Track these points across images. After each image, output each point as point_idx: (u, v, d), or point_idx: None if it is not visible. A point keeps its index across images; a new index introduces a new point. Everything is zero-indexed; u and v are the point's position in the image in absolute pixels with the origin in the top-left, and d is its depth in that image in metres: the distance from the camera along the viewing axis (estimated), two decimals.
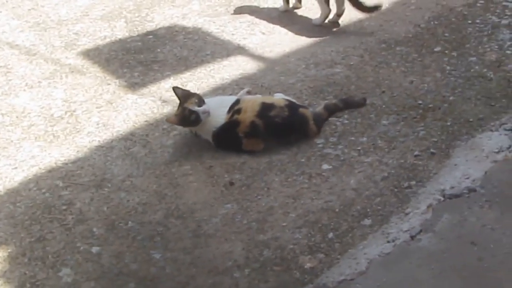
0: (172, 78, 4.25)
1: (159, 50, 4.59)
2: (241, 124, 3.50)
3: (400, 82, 4.01)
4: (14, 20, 5.17)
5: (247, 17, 4.92)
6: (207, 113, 3.52)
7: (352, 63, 4.25)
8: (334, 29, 4.69)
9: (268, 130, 3.49)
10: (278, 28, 4.76)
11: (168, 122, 3.67)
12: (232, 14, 4.99)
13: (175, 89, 3.65)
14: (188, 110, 3.51)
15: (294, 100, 3.71)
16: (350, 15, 4.74)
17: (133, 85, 4.21)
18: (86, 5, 5.30)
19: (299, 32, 4.69)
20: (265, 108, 3.51)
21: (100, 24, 5.00)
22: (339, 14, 4.71)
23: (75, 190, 3.38)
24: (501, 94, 3.82)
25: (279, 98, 3.68)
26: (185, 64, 4.40)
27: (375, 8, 4.62)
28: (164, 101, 4.01)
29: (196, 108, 3.50)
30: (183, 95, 3.60)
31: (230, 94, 3.95)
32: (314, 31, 4.68)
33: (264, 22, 4.84)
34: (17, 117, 4.00)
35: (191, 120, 3.52)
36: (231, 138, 3.54)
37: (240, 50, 4.53)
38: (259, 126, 3.49)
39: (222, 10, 5.06)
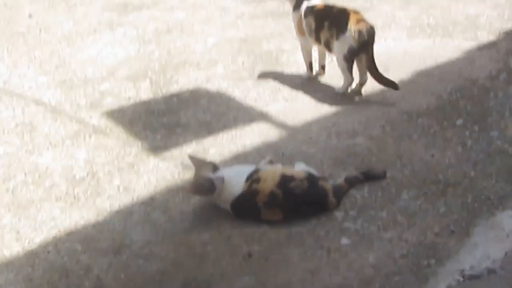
0: (194, 142, 4.28)
1: (182, 113, 4.64)
2: (260, 194, 3.51)
3: (421, 155, 4.02)
4: (41, 76, 5.26)
5: (271, 83, 4.97)
6: (221, 179, 3.55)
7: (373, 134, 4.27)
8: (357, 98, 4.72)
9: (287, 201, 3.50)
10: (301, 95, 4.80)
11: (185, 192, 3.71)
12: (256, 79, 5.03)
13: (190, 157, 3.71)
14: (202, 177, 3.54)
15: (314, 172, 3.73)
16: (373, 84, 4.76)
17: (156, 149, 4.25)
18: (112, 65, 5.37)
19: (321, 100, 4.72)
20: (285, 179, 3.53)
21: (126, 84, 5.06)
22: (362, 83, 4.74)
23: (93, 255, 3.39)
24: None
25: (299, 170, 3.69)
26: (207, 128, 4.44)
27: (393, 84, 4.64)
28: (185, 166, 4.03)
29: (210, 175, 3.54)
30: (198, 164, 3.65)
31: (252, 162, 3.98)
32: (337, 99, 4.71)
33: (287, 89, 4.88)
34: (39, 176, 4.04)
35: (206, 187, 3.54)
36: (250, 207, 3.54)
37: (262, 116, 4.56)
38: (278, 197, 3.50)
39: (246, 75, 5.11)
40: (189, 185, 3.62)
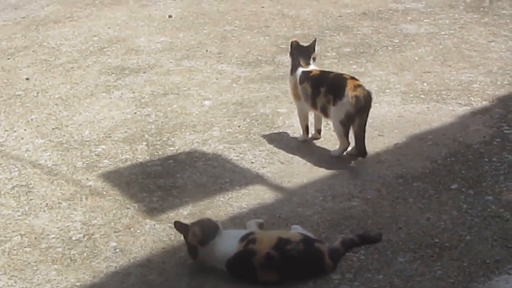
0: (190, 205, 4.29)
1: (178, 175, 4.66)
2: (257, 255, 3.51)
3: (417, 218, 4.04)
4: (38, 139, 5.29)
5: (267, 146, 5.00)
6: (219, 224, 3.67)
7: (369, 197, 4.30)
8: (352, 162, 4.75)
9: (284, 263, 3.50)
10: (296, 158, 4.83)
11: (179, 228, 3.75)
12: (251, 142, 5.06)
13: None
14: (206, 219, 3.78)
15: (310, 234, 3.75)
16: (368, 148, 4.80)
17: (152, 210, 4.26)
18: (109, 127, 5.41)
19: (317, 163, 4.75)
20: (282, 242, 3.54)
21: (122, 147, 5.09)
22: None
23: None
24: None
25: (295, 232, 3.71)
26: (203, 191, 4.46)
27: (362, 153, 4.74)
28: None
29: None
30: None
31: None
32: (332, 162, 4.74)
33: (283, 151, 4.91)
34: (35, 238, 4.04)
35: (212, 225, 3.66)
36: (247, 267, 3.54)
37: (258, 179, 4.59)
38: (275, 258, 3.50)
39: (242, 138, 5.15)
40: (192, 225, 3.67)
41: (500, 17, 7.56)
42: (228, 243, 3.61)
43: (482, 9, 7.78)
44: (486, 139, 4.95)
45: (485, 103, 5.56)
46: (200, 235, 3.63)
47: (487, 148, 4.82)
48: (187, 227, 3.68)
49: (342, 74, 4.86)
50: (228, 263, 3.58)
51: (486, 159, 4.67)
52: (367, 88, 4.69)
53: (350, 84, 4.61)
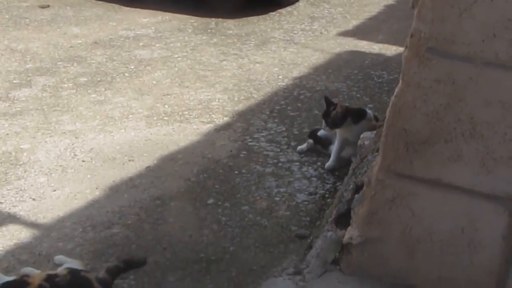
0: None
1: None
2: (31, 285, 3.34)
3: (179, 237, 4.08)
4: None
5: (14, 184, 4.76)
6: None
7: (129, 222, 4.26)
8: (108, 189, 4.66)
9: None
10: (48, 192, 4.65)
11: None
12: None
13: None
14: None
15: (77, 262, 3.73)
16: (121, 174, 4.77)
17: None
18: None
19: (70, 195, 4.61)
20: (51, 276, 3.43)
21: None
22: None
23: None
24: (277, 240, 4.01)
25: (61, 269, 3.60)
26: None
27: None
28: None
29: None
30: None
31: (7, 266, 3.79)
32: (86, 193, 4.63)
33: (32, 188, 4.70)
34: None
35: None
36: None
37: (11, 218, 4.35)
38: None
39: None
40: None
41: (227, 37, 7.86)
42: None
43: (209, 30, 8.04)
44: (233, 152, 5.12)
45: (226, 119, 5.75)
46: None
47: (236, 161, 4.99)
48: None
49: None
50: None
51: (236, 172, 4.83)
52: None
53: None
